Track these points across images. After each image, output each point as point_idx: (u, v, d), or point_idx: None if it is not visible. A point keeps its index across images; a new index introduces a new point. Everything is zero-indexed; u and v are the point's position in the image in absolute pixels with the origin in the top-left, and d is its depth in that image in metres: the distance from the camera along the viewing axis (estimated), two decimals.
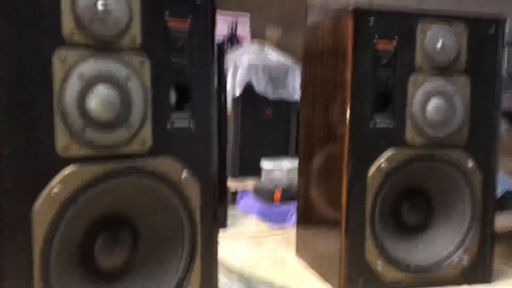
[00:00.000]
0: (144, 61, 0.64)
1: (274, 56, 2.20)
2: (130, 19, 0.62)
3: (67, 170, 0.57)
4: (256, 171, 2.09)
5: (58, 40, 0.56)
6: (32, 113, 0.55)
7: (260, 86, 2.08)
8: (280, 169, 1.87)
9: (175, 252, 0.69)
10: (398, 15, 0.87)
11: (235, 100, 2.08)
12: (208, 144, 0.72)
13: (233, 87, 2.05)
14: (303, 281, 0.94)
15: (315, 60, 0.99)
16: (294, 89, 2.20)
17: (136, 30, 0.63)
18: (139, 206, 0.67)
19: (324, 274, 0.94)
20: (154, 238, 0.68)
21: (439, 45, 0.87)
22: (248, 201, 2.06)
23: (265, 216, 1.91)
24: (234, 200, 2.14)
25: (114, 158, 0.62)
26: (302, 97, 1.07)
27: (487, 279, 0.93)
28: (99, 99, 0.59)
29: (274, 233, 1.29)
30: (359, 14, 0.85)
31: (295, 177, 2.17)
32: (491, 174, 0.92)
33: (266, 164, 2.04)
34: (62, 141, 0.57)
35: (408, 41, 0.87)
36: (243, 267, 1.02)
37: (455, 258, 0.91)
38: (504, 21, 0.92)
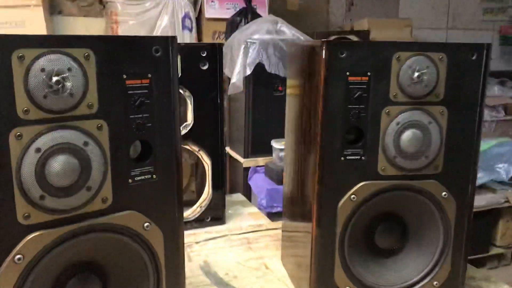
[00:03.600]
0: (102, 125, 0.67)
1: (287, 31, 2.16)
2: (86, 89, 0.65)
3: (28, 237, 0.62)
4: (268, 150, 2.13)
5: (14, 121, 0.60)
6: None
7: (272, 65, 2.07)
8: None
9: None
10: (372, 47, 0.86)
11: (247, 78, 2.09)
12: (171, 192, 0.75)
13: (244, 66, 2.05)
14: None
15: (298, 86, 1.00)
16: None
17: (92, 98, 0.66)
18: (105, 254, 0.72)
19: None
20: (122, 280, 0.74)
21: (414, 77, 0.86)
22: (258, 180, 2.11)
23: (273, 200, 1.97)
24: (246, 177, 2.20)
25: (76, 218, 0.66)
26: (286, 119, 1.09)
27: None
28: (56, 169, 0.63)
29: (268, 231, 1.33)
30: (331, 48, 0.84)
31: None
32: (467, 203, 0.92)
33: (276, 144, 2.07)
34: (22, 211, 0.62)
35: (382, 73, 0.86)
36: (227, 274, 1.09)
37: (425, 283, 0.94)
38: (486, 47, 0.89)
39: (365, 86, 0.86)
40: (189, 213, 1.37)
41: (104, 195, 0.69)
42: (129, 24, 2.38)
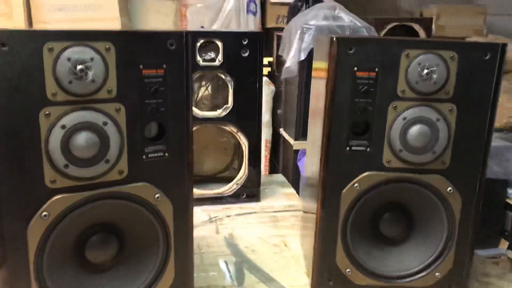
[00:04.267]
0: (120, 107, 0.78)
1: (345, 17, 2.18)
2: (106, 76, 0.76)
3: (53, 199, 0.75)
4: None
5: (44, 101, 0.72)
6: (26, 157, 0.73)
7: None
8: None
9: (152, 254, 0.86)
10: (380, 44, 0.89)
11: (301, 63, 2.13)
12: (182, 169, 0.85)
13: (299, 51, 2.10)
14: (289, 273, 1.07)
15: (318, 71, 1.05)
16: None
17: (112, 85, 0.76)
18: (122, 218, 0.84)
19: (307, 271, 1.06)
20: (135, 241, 0.86)
21: (423, 74, 0.88)
22: (304, 162, 2.17)
23: None
24: (295, 159, 2.27)
25: (95, 186, 0.78)
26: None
27: None
28: (78, 143, 0.75)
29: (298, 211, 1.40)
30: (340, 43, 0.88)
31: None
32: (474, 200, 0.94)
33: None
34: (49, 176, 0.75)
35: (390, 69, 0.89)
36: (247, 247, 1.18)
37: (427, 273, 0.97)
38: (502, 47, 0.89)
39: (372, 81, 0.90)
40: (226, 189, 1.47)
41: (120, 168, 0.80)
42: (197, 7, 2.50)
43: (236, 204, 1.46)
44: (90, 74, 0.74)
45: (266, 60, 2.57)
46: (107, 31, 0.76)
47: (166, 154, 0.84)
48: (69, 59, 0.73)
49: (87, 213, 0.79)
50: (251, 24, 2.56)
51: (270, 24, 2.63)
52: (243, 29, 2.51)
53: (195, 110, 1.40)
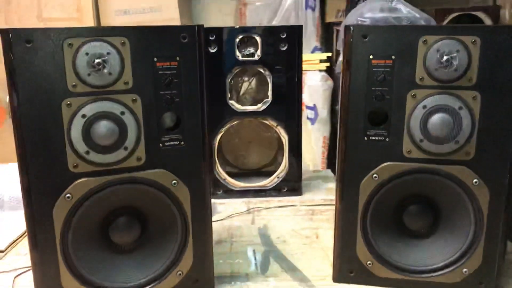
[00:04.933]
0: (136, 98, 0.83)
1: (403, 8, 2.11)
2: (122, 69, 0.81)
3: (76, 182, 0.82)
4: None
5: (65, 92, 0.79)
6: (50, 143, 0.80)
7: None
8: None
9: (171, 238, 0.91)
10: (396, 31, 0.87)
11: None
12: (198, 157, 0.89)
13: None
14: (314, 264, 1.07)
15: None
16: None
17: (128, 77, 0.82)
18: (143, 202, 0.89)
19: (331, 263, 1.06)
20: (156, 225, 0.91)
21: (443, 61, 0.85)
22: None
23: None
24: None
25: (115, 171, 0.84)
26: None
27: None
28: (98, 131, 0.81)
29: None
30: (355, 31, 0.88)
31: None
32: (502, 192, 0.89)
33: None
34: (72, 162, 0.81)
35: (407, 57, 0.87)
36: (278, 237, 1.20)
37: (453, 268, 0.93)
38: None
39: (389, 69, 0.88)
40: (267, 182, 1.50)
41: (138, 155, 0.85)
42: (255, 5, 2.54)
43: (277, 197, 1.48)
44: (107, 67, 0.80)
45: (325, 55, 2.56)
46: (122, 27, 0.81)
47: (182, 143, 0.88)
48: (87, 54, 0.79)
49: (109, 196, 0.86)
50: (309, 19, 2.56)
51: (330, 18, 2.61)
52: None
53: (235, 104, 1.44)
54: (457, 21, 2.24)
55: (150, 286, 0.90)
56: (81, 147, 0.81)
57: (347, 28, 0.88)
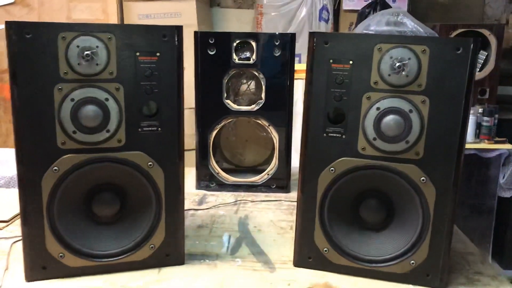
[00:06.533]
0: (119, 87, 0.95)
1: (408, 23, 2.19)
2: (108, 61, 0.94)
3: (63, 157, 0.95)
4: None
5: (57, 78, 0.92)
6: (42, 122, 0.93)
7: None
8: None
9: (147, 213, 1.02)
10: (354, 38, 0.96)
11: None
12: (173, 142, 1.00)
13: None
14: (282, 250, 1.16)
15: None
16: None
17: (113, 68, 0.94)
18: (123, 180, 1.01)
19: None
20: (134, 201, 1.03)
21: (395, 67, 0.94)
22: None
23: None
24: None
25: (98, 150, 0.96)
26: None
27: (434, 284, 1.00)
28: (84, 114, 0.94)
29: None
30: (317, 38, 0.97)
31: None
32: (448, 191, 0.96)
33: None
34: (60, 139, 0.94)
35: (364, 62, 0.96)
36: (256, 227, 1.29)
37: (402, 260, 1.01)
38: (474, 42, 0.91)
39: (347, 73, 0.97)
40: (258, 178, 1.60)
41: (119, 137, 0.97)
42: (271, 15, 2.66)
43: (266, 193, 1.57)
44: (95, 58, 0.92)
45: None
46: (109, 24, 0.94)
47: (159, 129, 0.99)
48: (78, 46, 0.92)
49: (91, 172, 0.98)
50: (323, 31, 2.65)
51: (343, 30, 2.71)
52: None
53: (230, 104, 1.55)
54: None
55: (124, 255, 1.02)
56: (69, 127, 0.94)
57: (310, 34, 0.98)
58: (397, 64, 0.94)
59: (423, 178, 0.97)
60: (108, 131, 0.96)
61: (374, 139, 0.98)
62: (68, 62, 0.92)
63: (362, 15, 2.44)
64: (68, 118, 0.93)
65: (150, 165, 0.99)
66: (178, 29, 0.97)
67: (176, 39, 0.97)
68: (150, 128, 0.99)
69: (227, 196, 1.54)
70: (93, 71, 0.93)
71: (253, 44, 1.49)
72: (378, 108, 0.97)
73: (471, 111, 2.34)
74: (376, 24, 2.19)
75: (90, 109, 0.94)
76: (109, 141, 0.97)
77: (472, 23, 2.30)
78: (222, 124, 1.57)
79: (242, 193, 1.57)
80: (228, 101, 1.55)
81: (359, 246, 1.04)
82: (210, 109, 1.54)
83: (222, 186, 1.61)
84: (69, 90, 0.93)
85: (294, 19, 2.64)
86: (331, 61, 0.98)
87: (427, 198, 0.97)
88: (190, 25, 2.45)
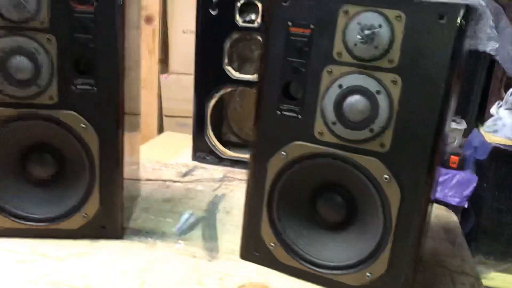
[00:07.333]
0: (50, 38, 0.86)
1: None
2: (40, 7, 0.84)
3: None
4: None
5: None
6: None
7: None
8: None
9: (81, 179, 0.94)
10: None
11: None
12: (110, 104, 0.90)
13: None
14: (237, 239, 1.03)
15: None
16: (486, 36, 1.88)
17: (44, 16, 0.85)
18: (58, 142, 0.93)
19: None
20: (70, 165, 0.94)
21: (363, 35, 0.76)
22: None
23: None
24: None
25: (28, 105, 0.89)
26: None
27: None
28: (13, 65, 0.86)
29: None
30: None
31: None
32: (416, 194, 0.78)
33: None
34: None
35: (327, 28, 0.78)
36: (225, 208, 1.17)
37: (355, 270, 0.84)
38: (465, 8, 0.70)
39: (306, 40, 0.80)
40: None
41: (50, 94, 0.88)
42: None
43: None
44: (26, 4, 0.83)
45: None
46: None
47: (94, 88, 0.89)
48: None
49: (22, 129, 0.90)
50: None
51: None
52: None
53: (231, 71, 1.41)
54: None
55: (56, 221, 0.94)
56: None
57: None
58: (366, 32, 0.75)
59: (386, 176, 0.78)
60: (38, 86, 0.87)
61: (334, 123, 0.81)
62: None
63: None
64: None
65: (84, 127, 0.90)
66: None
67: None
68: (84, 87, 0.89)
69: (218, 171, 1.42)
70: (22, 17, 0.84)
71: (259, 5, 1.33)
72: (340, 86, 0.79)
73: None
74: None
75: (19, 60, 0.86)
76: (40, 97, 0.88)
77: None
78: (221, 92, 1.44)
79: (236, 170, 1.45)
80: (229, 67, 1.41)
81: (310, 246, 0.89)
82: (208, 75, 1.42)
83: (220, 160, 1.50)
84: None
85: None
86: (289, 23, 0.81)
87: (390, 200, 0.79)
88: None
